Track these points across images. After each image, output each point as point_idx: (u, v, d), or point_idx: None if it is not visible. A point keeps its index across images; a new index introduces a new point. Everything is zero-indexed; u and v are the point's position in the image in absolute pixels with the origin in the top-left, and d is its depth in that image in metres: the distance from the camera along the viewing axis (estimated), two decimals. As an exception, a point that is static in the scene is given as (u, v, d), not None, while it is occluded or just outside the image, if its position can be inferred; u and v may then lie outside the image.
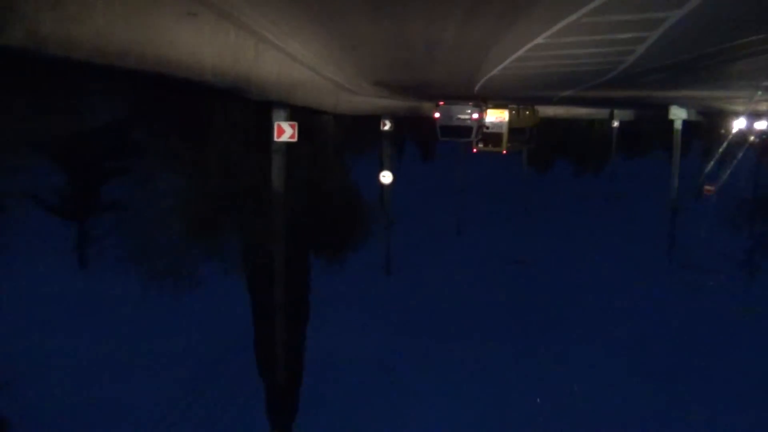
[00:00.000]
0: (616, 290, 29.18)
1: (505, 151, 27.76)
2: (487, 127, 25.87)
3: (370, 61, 13.48)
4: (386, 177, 28.63)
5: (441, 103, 21.04)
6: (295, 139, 15.31)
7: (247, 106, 17.59)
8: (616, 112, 47.27)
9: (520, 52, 9.85)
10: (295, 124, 15.26)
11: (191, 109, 18.03)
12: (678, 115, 31.32)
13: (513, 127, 27.99)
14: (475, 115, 21.27)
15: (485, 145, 27.25)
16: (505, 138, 26.93)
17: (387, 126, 28.36)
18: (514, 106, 27.75)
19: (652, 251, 33.28)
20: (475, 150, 27.55)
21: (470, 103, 21.03)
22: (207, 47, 7.69)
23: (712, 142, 44.70)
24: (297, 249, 19.83)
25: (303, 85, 15.29)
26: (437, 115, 21.17)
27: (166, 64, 6.66)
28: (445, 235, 35.96)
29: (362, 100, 23.84)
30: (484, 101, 22.73)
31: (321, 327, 21.65)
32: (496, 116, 26.30)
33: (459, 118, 20.97)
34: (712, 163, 41.46)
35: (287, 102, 15.00)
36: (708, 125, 41.52)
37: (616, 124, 51.24)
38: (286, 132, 15.16)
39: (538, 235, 37.34)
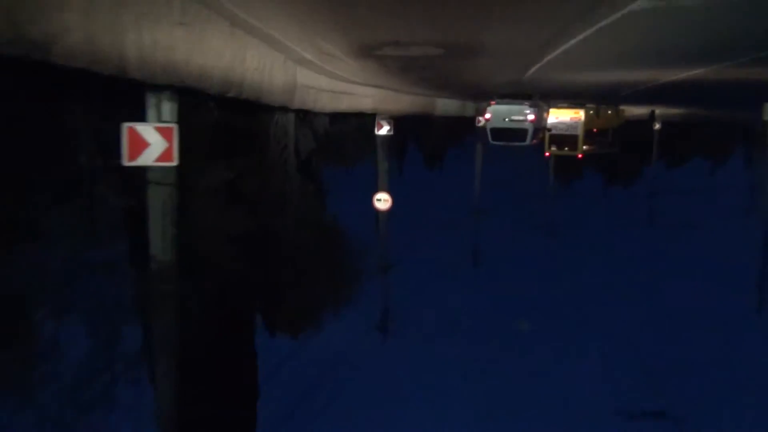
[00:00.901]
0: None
1: (581, 156, 25.64)
2: (549, 129, 23.72)
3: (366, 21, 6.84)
4: (383, 201, 20.31)
5: (492, 102, 19.09)
6: (172, 161, 6.92)
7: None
8: (657, 112, 39.27)
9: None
10: (172, 128, 6.89)
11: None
12: (776, 114, 22.88)
13: (591, 129, 25.12)
14: (532, 116, 18.92)
15: (558, 148, 25.05)
16: (580, 140, 24.48)
17: (384, 129, 19.99)
18: (592, 104, 24.86)
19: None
20: (547, 154, 25.75)
21: (526, 102, 18.82)
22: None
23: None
24: (227, 343, 11.37)
25: (216, 49, 7.00)
26: (488, 115, 19.21)
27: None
28: (461, 279, 27.40)
29: (343, 88, 15.53)
30: (543, 98, 20.47)
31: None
32: (570, 116, 24.23)
33: (513, 120, 18.83)
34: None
35: (173, 82, 6.74)
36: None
37: (657, 126, 43.18)
38: (150, 144, 6.79)
39: (580, 283, 28.77)
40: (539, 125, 20.21)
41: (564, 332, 21.85)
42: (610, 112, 26.84)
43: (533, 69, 11.77)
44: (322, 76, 13.46)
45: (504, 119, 18.84)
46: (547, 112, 22.99)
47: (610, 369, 19.54)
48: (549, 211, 41.51)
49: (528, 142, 19.58)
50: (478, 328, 23.02)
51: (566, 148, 25.07)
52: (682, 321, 22.91)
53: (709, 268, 33.14)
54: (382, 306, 20.54)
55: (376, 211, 20.68)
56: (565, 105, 24.23)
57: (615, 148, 30.77)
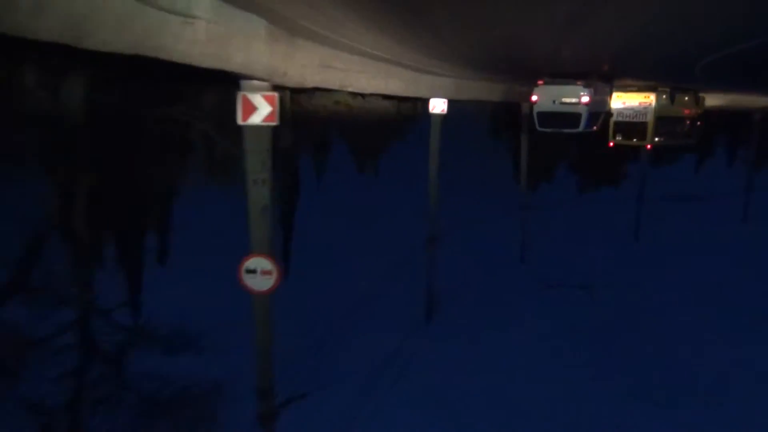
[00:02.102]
0: None
1: (650, 146, 23.25)
2: (611, 114, 20.90)
3: None
4: (259, 276, 9.08)
5: (540, 82, 16.90)
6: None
7: None
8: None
9: None
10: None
11: None
12: None
13: (664, 116, 21.81)
14: (586, 98, 16.44)
15: (624, 137, 22.21)
16: (650, 129, 21.65)
17: (261, 112, 8.78)
18: (666, 88, 21.59)
19: None
20: (611, 144, 22.56)
21: (580, 82, 16.32)
22: None
23: None
24: None
25: None
26: (535, 97, 16.98)
27: None
28: (409, 353, 16.83)
29: None
30: (605, 78, 17.78)
31: None
32: (639, 101, 21.46)
33: (564, 102, 16.61)
34: None
35: None
36: None
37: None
38: None
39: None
40: (597, 109, 17.74)
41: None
42: (687, 98, 23.30)
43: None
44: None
45: (553, 101, 16.86)
46: (610, 95, 20.33)
47: None
48: (518, 232, 31.40)
49: (582, 128, 17.08)
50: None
51: (634, 139, 22.42)
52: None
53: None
54: None
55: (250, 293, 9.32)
56: (634, 88, 21.40)
57: (692, 141, 26.59)
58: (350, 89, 15.43)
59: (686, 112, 23.50)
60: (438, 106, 22.25)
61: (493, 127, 37.22)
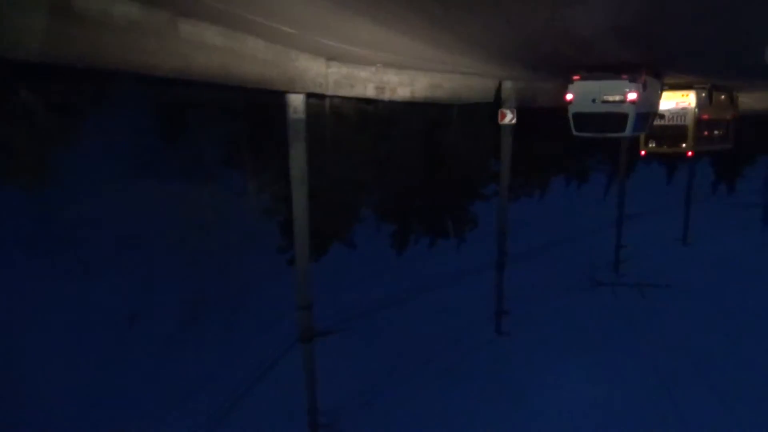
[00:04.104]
0: None
1: (691, 153, 19.78)
2: (662, 116, 18.57)
3: None
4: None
5: (576, 77, 14.89)
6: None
7: None
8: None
9: None
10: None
11: None
12: None
13: (703, 118, 19.01)
14: (633, 95, 14.65)
15: (659, 144, 19.50)
16: (691, 133, 18.90)
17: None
18: (703, 86, 18.94)
19: None
20: (643, 153, 19.93)
21: (625, 76, 14.57)
22: None
23: None
24: None
25: None
26: (570, 96, 14.93)
27: None
28: None
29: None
30: (652, 72, 15.50)
31: None
32: (677, 101, 18.91)
33: (606, 101, 14.72)
34: None
35: None
36: None
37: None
38: None
39: None
40: (647, 109, 15.51)
41: None
42: (723, 97, 20.74)
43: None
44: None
45: (592, 100, 14.67)
46: (661, 93, 17.62)
47: None
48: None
49: (628, 132, 14.85)
50: None
51: (670, 146, 19.33)
52: None
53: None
54: None
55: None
56: (666, 86, 18.29)
57: (730, 145, 22.55)
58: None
59: (725, 114, 20.68)
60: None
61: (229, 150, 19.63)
